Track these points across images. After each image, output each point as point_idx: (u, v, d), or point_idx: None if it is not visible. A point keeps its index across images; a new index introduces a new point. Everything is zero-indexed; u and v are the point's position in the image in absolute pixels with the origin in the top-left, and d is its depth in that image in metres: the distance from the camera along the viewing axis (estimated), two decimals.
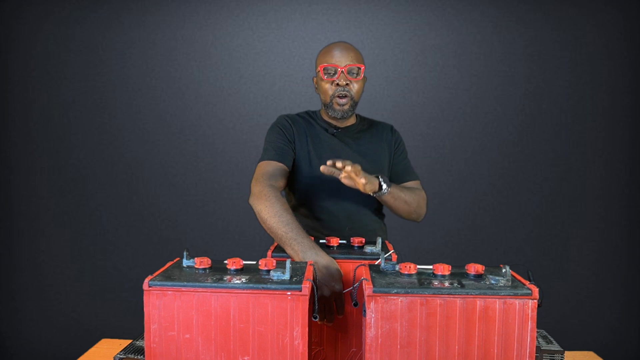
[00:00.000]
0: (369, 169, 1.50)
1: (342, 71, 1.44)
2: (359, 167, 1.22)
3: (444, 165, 2.77)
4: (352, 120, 1.60)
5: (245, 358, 0.87)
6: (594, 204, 2.76)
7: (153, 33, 2.74)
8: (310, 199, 1.51)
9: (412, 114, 2.75)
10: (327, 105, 1.50)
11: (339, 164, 1.19)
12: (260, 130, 2.94)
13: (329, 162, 1.22)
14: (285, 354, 0.86)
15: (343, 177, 1.24)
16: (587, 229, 2.77)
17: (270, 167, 1.41)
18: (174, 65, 2.76)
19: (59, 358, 2.68)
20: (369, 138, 1.58)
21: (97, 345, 1.47)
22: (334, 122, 1.56)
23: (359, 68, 1.47)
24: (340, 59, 1.45)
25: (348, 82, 1.46)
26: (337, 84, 1.45)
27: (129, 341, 1.29)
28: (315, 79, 1.56)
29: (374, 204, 1.54)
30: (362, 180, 1.23)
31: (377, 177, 1.33)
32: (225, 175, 2.77)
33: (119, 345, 1.42)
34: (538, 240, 2.78)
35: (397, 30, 2.72)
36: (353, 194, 1.39)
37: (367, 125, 1.62)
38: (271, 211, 1.23)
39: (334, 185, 1.39)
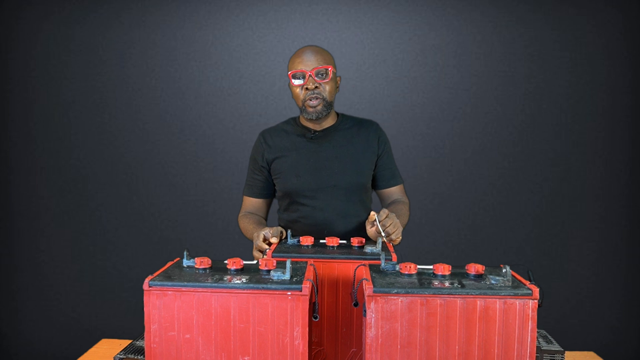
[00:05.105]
0: (348, 169, 1.53)
1: (310, 75, 1.47)
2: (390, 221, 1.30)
3: (444, 165, 2.77)
4: (331, 121, 1.60)
5: (246, 358, 0.87)
6: (594, 204, 2.76)
7: (153, 33, 2.74)
8: (295, 204, 1.56)
9: (412, 114, 2.75)
10: (302, 109, 1.53)
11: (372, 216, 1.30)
12: (260, 130, 2.94)
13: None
14: (285, 354, 0.86)
15: (371, 229, 1.33)
16: (587, 229, 2.77)
17: (245, 203, 1.70)
18: (174, 65, 2.76)
19: (59, 358, 2.68)
20: (349, 138, 1.58)
21: (97, 345, 1.47)
22: (311, 126, 1.58)
23: (327, 69, 1.49)
24: (307, 63, 1.48)
25: (317, 84, 1.48)
26: (307, 88, 1.48)
27: (129, 341, 1.29)
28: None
29: (361, 207, 1.58)
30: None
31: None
32: (225, 175, 2.77)
33: (119, 345, 1.42)
34: (538, 240, 2.77)
35: (397, 30, 2.72)
36: (335, 196, 1.51)
37: (349, 125, 1.61)
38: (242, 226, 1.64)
39: (313, 190, 1.52)
